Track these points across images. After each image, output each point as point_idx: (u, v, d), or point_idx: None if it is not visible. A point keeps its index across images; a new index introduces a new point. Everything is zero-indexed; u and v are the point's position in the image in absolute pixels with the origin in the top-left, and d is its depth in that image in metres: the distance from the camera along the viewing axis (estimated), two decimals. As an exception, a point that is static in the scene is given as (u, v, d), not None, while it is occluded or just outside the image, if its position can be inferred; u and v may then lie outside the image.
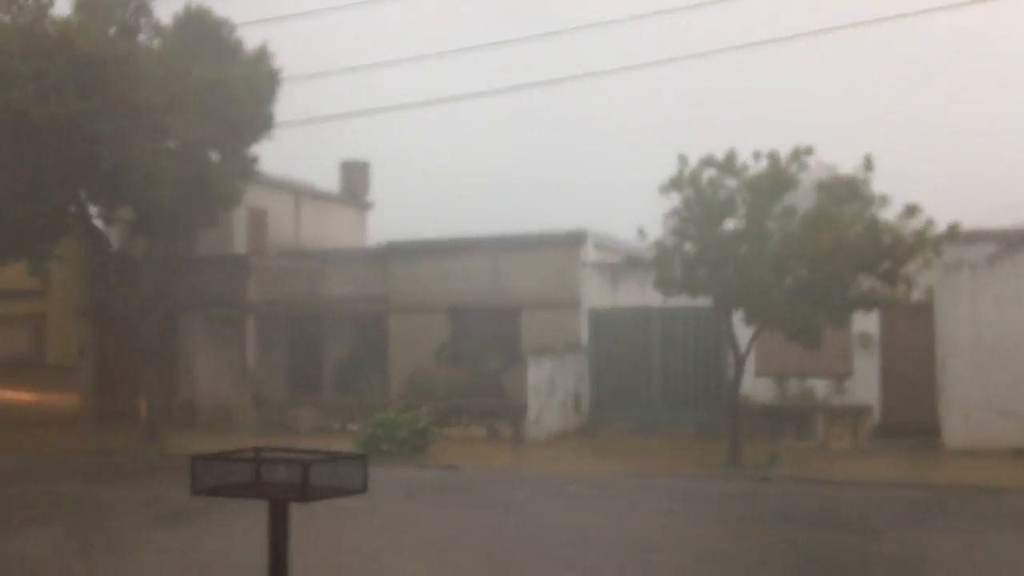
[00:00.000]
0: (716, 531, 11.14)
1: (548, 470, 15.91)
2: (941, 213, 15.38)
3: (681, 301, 16.63)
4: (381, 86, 48.04)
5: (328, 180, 28.93)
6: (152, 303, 19.82)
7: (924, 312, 18.01)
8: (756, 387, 18.59)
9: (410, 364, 21.61)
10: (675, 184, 15.43)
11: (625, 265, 19.70)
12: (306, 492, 4.07)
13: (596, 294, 20.95)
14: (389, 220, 40.08)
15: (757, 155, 15.20)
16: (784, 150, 15.23)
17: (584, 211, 46.52)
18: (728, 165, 15.37)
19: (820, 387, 18.76)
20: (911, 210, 15.01)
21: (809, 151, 15.15)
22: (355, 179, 28.77)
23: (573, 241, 21.20)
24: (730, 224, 15.49)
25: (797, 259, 14.77)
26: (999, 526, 11.25)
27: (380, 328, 22.57)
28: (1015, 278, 17.21)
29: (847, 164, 15.65)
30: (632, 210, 20.95)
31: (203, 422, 21.87)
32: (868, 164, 15.14)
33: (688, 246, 15.69)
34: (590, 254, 21.30)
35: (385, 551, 9.74)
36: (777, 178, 14.99)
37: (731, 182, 15.37)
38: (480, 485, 14.42)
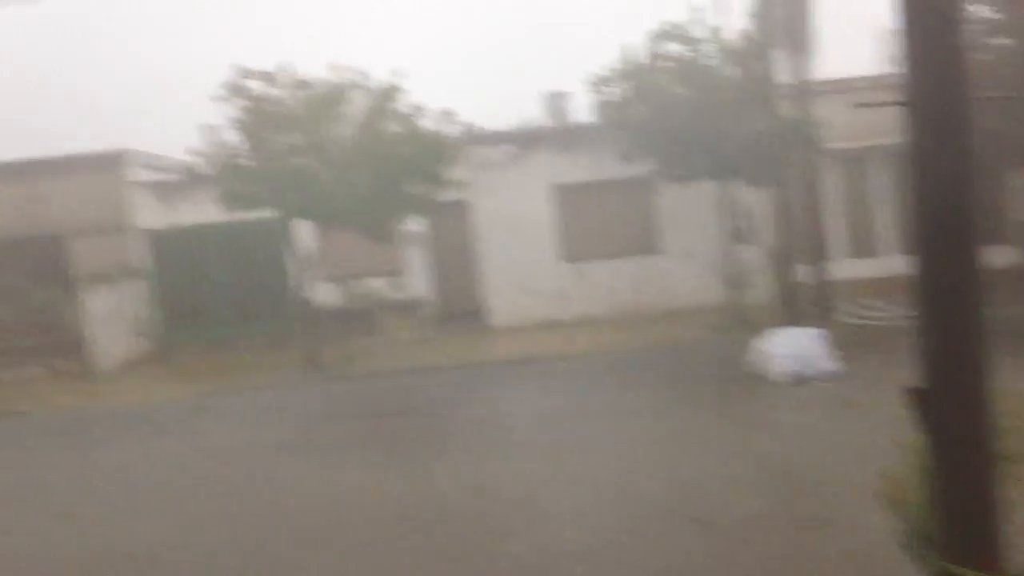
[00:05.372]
0: (302, 429, 11.99)
1: (124, 402, 15.45)
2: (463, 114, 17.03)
3: (244, 215, 16.74)
4: None
5: None
6: None
7: (462, 207, 20.02)
8: (322, 291, 19.43)
9: (-64, 308, 19.21)
10: (228, 96, 15.43)
11: (180, 183, 19.20)
12: None
13: (151, 215, 20.18)
14: None
15: (307, 80, 15.66)
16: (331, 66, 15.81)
17: (131, 128, 43.14)
18: (275, 80, 15.63)
19: (380, 285, 20.14)
20: (446, 116, 16.43)
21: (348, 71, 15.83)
22: None
23: (117, 160, 20.01)
24: (286, 137, 15.86)
25: (356, 168, 15.62)
26: (543, 388, 13.32)
27: None
28: (531, 173, 19.74)
29: (379, 72, 16.54)
30: (181, 126, 20.33)
31: None
32: (398, 73, 16.19)
33: (245, 160, 15.80)
34: (139, 173, 20.34)
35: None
36: (332, 95, 15.60)
37: (284, 97, 15.68)
38: (56, 428, 13.72)
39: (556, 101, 29.96)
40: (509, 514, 7.72)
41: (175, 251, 19.94)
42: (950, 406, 4.20)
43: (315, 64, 15.93)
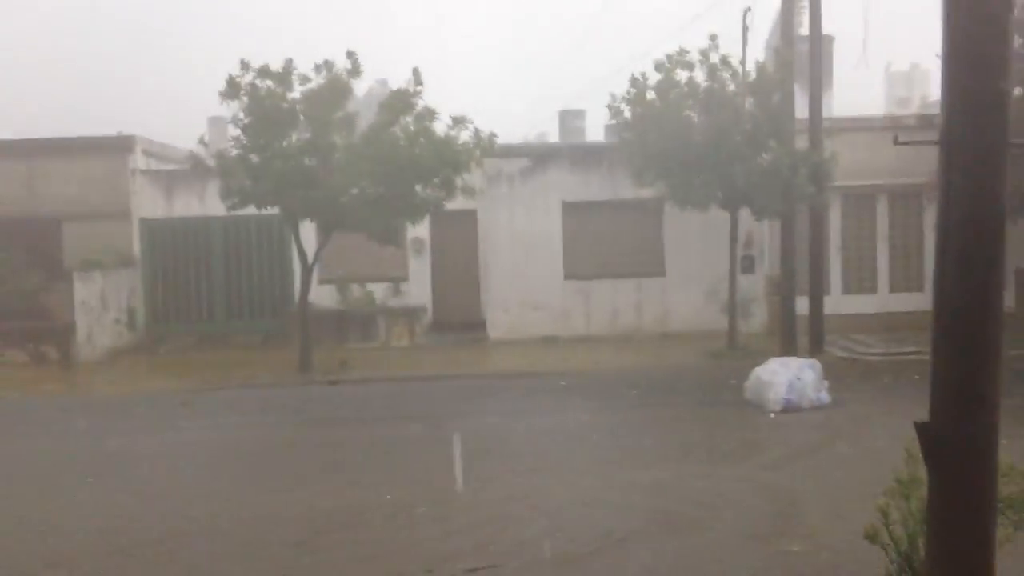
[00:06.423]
0: (289, 434, 11.58)
1: (106, 392, 15.09)
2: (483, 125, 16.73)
3: (245, 211, 16.38)
4: None
5: None
6: None
7: (469, 218, 19.66)
8: (320, 294, 19.03)
9: (-74, 285, 18.89)
10: (232, 93, 15.12)
11: (184, 174, 18.89)
12: None
13: (149, 204, 19.85)
14: None
15: (317, 67, 15.31)
16: (339, 60, 15.48)
17: (136, 116, 42.63)
18: (284, 77, 15.31)
19: (379, 291, 19.74)
20: (458, 121, 16.07)
21: (356, 60, 15.44)
22: None
23: (120, 146, 19.70)
24: (294, 136, 15.54)
25: (363, 169, 15.25)
26: (536, 403, 12.92)
27: None
28: (543, 189, 19.40)
29: (399, 78, 16.30)
30: (191, 117, 20.04)
31: None
32: (417, 78, 15.85)
33: (252, 157, 15.47)
34: (140, 161, 20.04)
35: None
36: (335, 88, 15.26)
37: (290, 94, 15.37)
38: (34, 413, 13.36)
39: (571, 119, 29.76)
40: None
41: (172, 242, 19.61)
42: (959, 444, 4.00)
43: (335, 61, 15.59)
